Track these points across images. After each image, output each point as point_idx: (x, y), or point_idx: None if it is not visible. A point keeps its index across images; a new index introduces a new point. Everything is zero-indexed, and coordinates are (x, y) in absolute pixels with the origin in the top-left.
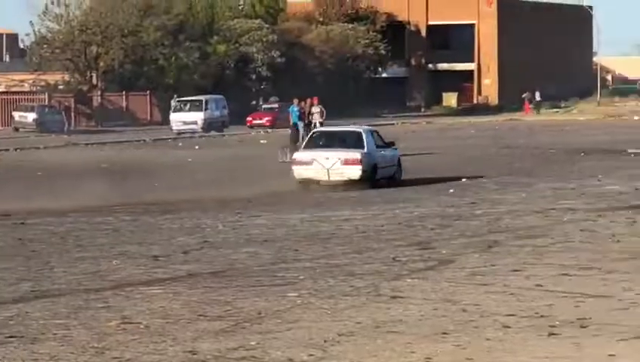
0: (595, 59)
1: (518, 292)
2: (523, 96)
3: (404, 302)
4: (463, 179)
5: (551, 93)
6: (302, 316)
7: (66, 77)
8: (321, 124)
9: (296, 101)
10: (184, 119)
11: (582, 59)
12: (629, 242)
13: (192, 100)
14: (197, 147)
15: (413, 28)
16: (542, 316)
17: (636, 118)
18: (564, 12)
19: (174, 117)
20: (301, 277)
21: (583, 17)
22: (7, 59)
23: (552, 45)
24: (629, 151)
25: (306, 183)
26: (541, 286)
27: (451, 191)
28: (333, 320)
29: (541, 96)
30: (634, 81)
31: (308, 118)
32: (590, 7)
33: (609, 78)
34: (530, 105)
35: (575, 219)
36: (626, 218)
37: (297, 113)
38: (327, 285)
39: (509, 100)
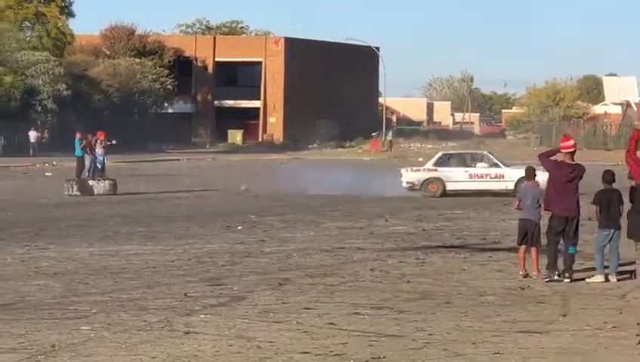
0: (380, 99)
1: (312, 330)
2: (373, 134)
3: (199, 337)
4: (252, 216)
5: (335, 133)
6: (96, 349)
7: None
8: (104, 158)
9: (79, 134)
10: None
11: (368, 99)
12: (418, 282)
13: None
14: None
15: (200, 64)
16: (336, 354)
17: (420, 159)
18: (351, 52)
19: None
20: (93, 311)
21: (369, 58)
22: None
23: (339, 84)
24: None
25: None
26: (334, 324)
27: (239, 228)
28: (127, 355)
29: (392, 136)
30: (418, 123)
31: (93, 151)
32: (377, 48)
33: (394, 118)
34: (378, 143)
35: (365, 259)
36: (415, 258)
37: (80, 145)
38: (120, 319)
39: (294, 139)
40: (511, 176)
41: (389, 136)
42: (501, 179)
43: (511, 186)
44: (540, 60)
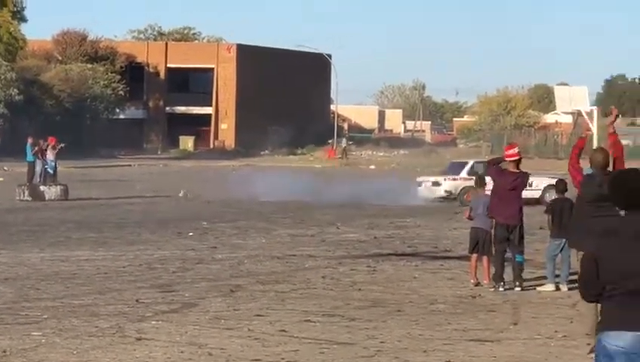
0: (332, 107)
1: (263, 337)
2: (329, 141)
3: (150, 344)
4: (203, 223)
5: (287, 140)
6: (47, 355)
7: None
8: (55, 163)
9: (30, 140)
10: None
11: (320, 106)
12: (369, 290)
13: None
14: None
15: (152, 70)
16: (288, 361)
17: (372, 166)
18: (303, 59)
19: None
20: (45, 316)
21: (322, 65)
22: None
23: (291, 92)
24: (370, 201)
25: None
26: (285, 331)
27: (191, 234)
28: (79, 360)
29: (347, 143)
30: (370, 131)
31: (44, 156)
32: (329, 56)
33: (345, 126)
34: (335, 150)
35: (316, 266)
36: (366, 266)
37: (32, 151)
38: (72, 325)
39: (246, 145)
40: (538, 184)
41: (344, 144)
42: (529, 188)
43: (537, 195)
44: (491, 69)
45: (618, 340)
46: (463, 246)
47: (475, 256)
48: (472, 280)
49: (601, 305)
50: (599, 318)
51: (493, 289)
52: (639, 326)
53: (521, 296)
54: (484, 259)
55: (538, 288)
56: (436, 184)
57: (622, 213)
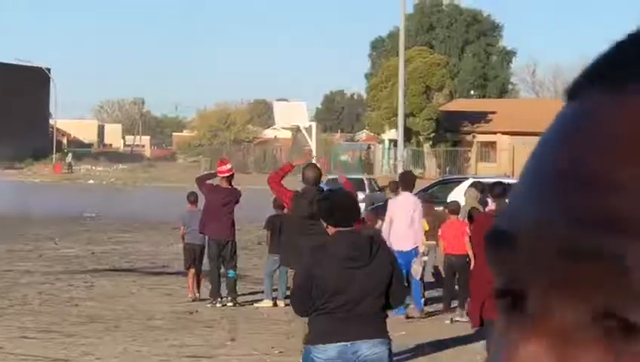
0: (51, 121)
1: None
2: (54, 156)
3: None
4: None
5: (5, 155)
6: None
7: None
8: None
9: None
10: None
11: (38, 120)
12: (87, 306)
13: None
14: None
15: None
16: None
17: (91, 181)
18: (21, 72)
19: None
20: None
21: (40, 79)
22: None
23: (9, 106)
24: (85, 215)
25: None
26: (1, 348)
27: None
28: None
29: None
30: (89, 145)
31: None
32: (48, 70)
33: (64, 140)
34: (61, 165)
35: (33, 282)
36: (83, 281)
37: None
38: None
39: None
40: None
41: (69, 158)
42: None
43: None
44: (211, 84)
45: (326, 352)
46: (180, 262)
47: (192, 271)
48: (190, 295)
49: (310, 319)
50: (308, 331)
51: (210, 305)
52: (344, 338)
53: (238, 312)
54: (200, 274)
55: (256, 304)
56: None
57: (330, 231)
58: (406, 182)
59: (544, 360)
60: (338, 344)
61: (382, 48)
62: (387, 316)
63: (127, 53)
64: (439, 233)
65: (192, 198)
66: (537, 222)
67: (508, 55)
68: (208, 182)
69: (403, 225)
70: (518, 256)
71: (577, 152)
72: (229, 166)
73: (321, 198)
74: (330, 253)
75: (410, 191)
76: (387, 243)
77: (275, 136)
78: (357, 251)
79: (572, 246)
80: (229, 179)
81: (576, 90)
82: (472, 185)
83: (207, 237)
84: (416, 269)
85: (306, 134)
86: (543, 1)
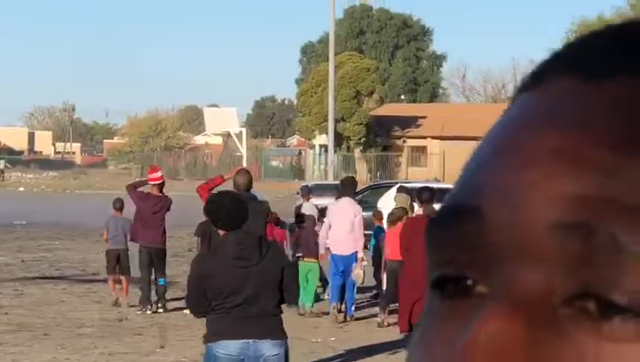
0: None
1: None
2: None
3: None
4: None
5: None
6: None
7: None
8: None
9: None
10: None
11: None
12: (16, 314)
13: None
14: None
15: None
16: None
17: (21, 189)
18: None
19: None
20: None
21: None
22: None
23: None
24: (16, 222)
25: None
26: None
27: None
28: None
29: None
30: (19, 152)
31: None
32: None
33: None
34: None
35: None
36: (13, 289)
37: None
38: None
39: None
40: None
41: (1, 165)
42: None
43: None
44: (141, 90)
45: (227, 348)
46: None
47: (112, 276)
48: (113, 294)
49: (208, 319)
50: (207, 330)
51: (140, 312)
52: (242, 336)
53: (167, 319)
54: (124, 279)
55: (185, 311)
56: None
57: (221, 233)
58: (347, 187)
59: (509, 337)
60: (239, 341)
61: (312, 53)
62: (282, 313)
63: (56, 59)
64: (385, 239)
65: (118, 205)
66: (514, 196)
67: (438, 59)
68: (139, 189)
69: (342, 231)
70: (483, 231)
71: (557, 132)
72: (159, 173)
73: (207, 202)
74: (220, 255)
75: (351, 197)
76: (324, 246)
77: (206, 142)
78: (246, 250)
79: (554, 221)
80: (160, 186)
81: (541, 77)
82: (398, 189)
83: (138, 245)
84: (358, 273)
85: (236, 140)
86: (473, 6)
